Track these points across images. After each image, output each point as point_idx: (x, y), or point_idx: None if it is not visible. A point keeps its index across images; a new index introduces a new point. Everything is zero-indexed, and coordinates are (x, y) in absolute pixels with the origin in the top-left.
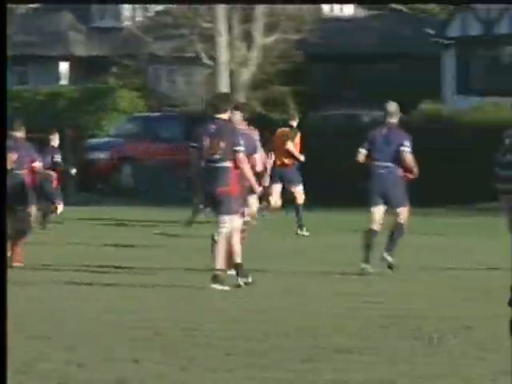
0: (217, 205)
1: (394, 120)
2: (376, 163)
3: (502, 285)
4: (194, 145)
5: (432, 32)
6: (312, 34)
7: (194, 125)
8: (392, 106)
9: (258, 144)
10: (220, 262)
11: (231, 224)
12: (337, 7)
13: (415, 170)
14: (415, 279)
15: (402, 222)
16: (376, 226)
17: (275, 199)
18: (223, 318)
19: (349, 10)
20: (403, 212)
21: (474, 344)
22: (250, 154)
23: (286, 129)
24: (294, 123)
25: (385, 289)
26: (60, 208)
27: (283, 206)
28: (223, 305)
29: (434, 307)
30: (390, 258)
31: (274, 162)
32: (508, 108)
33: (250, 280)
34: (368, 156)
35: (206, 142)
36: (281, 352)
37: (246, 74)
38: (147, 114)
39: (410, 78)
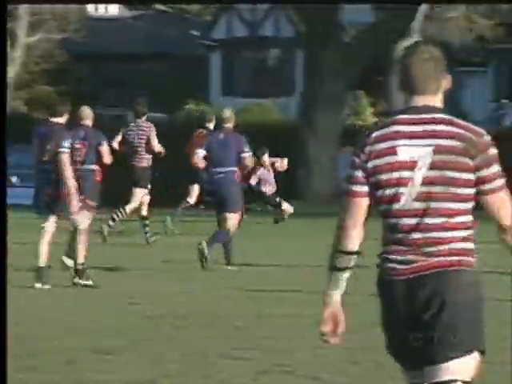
0: (54, 207)
1: (230, 125)
2: (213, 169)
3: (270, 284)
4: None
5: (198, 34)
6: (76, 34)
7: None
8: (227, 112)
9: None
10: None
11: (79, 221)
12: (101, 7)
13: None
14: (191, 278)
15: (229, 227)
16: (233, 229)
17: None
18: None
19: (114, 9)
20: (233, 217)
21: (237, 344)
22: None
23: (205, 131)
24: (211, 125)
25: (159, 289)
26: None
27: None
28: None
29: (202, 307)
30: (208, 257)
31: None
32: (272, 109)
33: (87, 282)
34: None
35: (36, 144)
36: (47, 354)
37: (9, 73)
38: None
39: (176, 78)
